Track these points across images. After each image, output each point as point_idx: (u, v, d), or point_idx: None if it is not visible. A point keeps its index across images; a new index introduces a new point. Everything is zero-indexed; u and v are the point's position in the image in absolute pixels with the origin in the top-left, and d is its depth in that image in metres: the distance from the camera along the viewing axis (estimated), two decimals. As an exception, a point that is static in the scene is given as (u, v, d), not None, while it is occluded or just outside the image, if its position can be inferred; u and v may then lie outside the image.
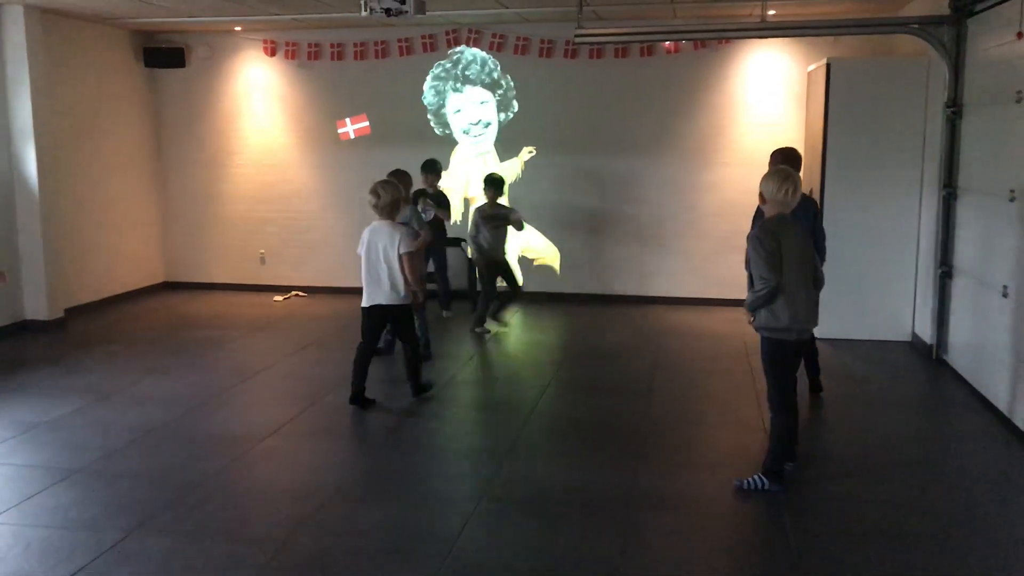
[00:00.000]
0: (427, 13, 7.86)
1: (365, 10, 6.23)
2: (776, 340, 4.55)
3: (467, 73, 9.67)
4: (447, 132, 9.81)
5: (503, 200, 8.42)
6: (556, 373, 6.93)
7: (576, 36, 7.71)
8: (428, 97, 9.76)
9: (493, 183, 8.19)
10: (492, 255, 8.20)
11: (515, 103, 9.60)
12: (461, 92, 9.71)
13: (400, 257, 5.87)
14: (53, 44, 8.66)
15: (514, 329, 8.57)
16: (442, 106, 9.77)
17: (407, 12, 6.18)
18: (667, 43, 9.06)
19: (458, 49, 9.61)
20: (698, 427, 5.67)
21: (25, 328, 8.38)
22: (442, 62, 9.67)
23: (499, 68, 9.57)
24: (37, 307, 8.39)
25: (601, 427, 5.70)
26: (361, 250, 6.02)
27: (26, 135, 8.18)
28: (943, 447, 5.34)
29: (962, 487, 4.68)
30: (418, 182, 8.06)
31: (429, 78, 9.72)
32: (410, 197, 7.48)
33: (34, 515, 4.36)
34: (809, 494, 4.60)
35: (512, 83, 9.56)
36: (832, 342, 7.47)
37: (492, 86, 9.64)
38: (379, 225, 6.00)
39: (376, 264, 5.92)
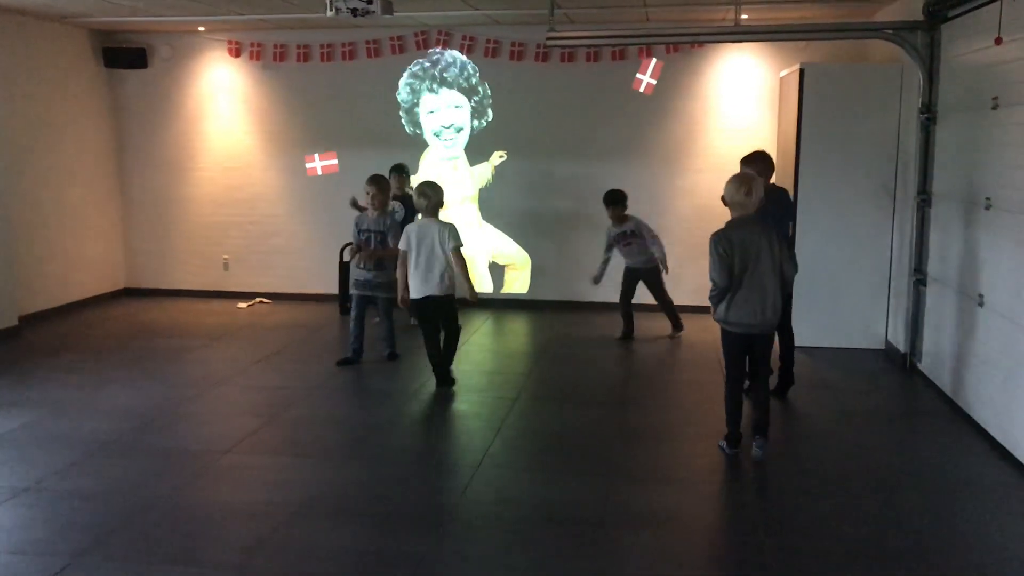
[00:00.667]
0: (395, 14, 7.71)
1: (331, 10, 6.06)
2: (724, 330, 5.09)
3: (444, 75, 9.47)
4: (418, 132, 9.62)
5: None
6: (526, 383, 6.77)
7: (548, 39, 7.56)
8: (403, 94, 9.56)
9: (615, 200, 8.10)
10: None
11: (490, 111, 9.43)
12: (436, 94, 9.52)
13: (450, 251, 6.36)
14: (6, 42, 8.38)
15: (485, 337, 8.41)
16: (415, 105, 9.58)
17: (374, 12, 6.02)
18: (641, 50, 8.94)
19: (437, 50, 9.41)
20: (671, 440, 5.53)
21: (-18, 336, 8.09)
22: (420, 60, 9.47)
23: (478, 74, 9.39)
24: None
25: (572, 440, 5.55)
26: (409, 245, 6.43)
27: (-22, 138, 7.91)
28: (919, 459, 5.24)
29: (940, 500, 4.58)
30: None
31: (405, 75, 9.52)
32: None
33: (-25, 538, 4.13)
34: (786, 509, 4.47)
35: (489, 91, 9.39)
36: (806, 350, 7.37)
37: (469, 91, 9.47)
38: (427, 222, 6.46)
39: (430, 258, 6.37)
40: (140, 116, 10.07)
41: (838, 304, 7.67)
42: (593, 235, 9.41)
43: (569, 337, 8.38)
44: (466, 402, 6.38)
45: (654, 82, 9.14)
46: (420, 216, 6.58)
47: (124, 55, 9.71)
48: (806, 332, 7.27)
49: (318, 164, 9.71)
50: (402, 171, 8.50)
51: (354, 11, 5.96)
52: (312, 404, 6.24)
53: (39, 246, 8.95)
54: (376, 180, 7.24)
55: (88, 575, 3.78)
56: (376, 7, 5.97)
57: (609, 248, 8.26)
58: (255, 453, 5.27)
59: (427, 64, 9.47)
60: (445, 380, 6.63)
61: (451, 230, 6.39)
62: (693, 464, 5.14)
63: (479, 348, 8.00)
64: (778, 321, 5.10)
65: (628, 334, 8.27)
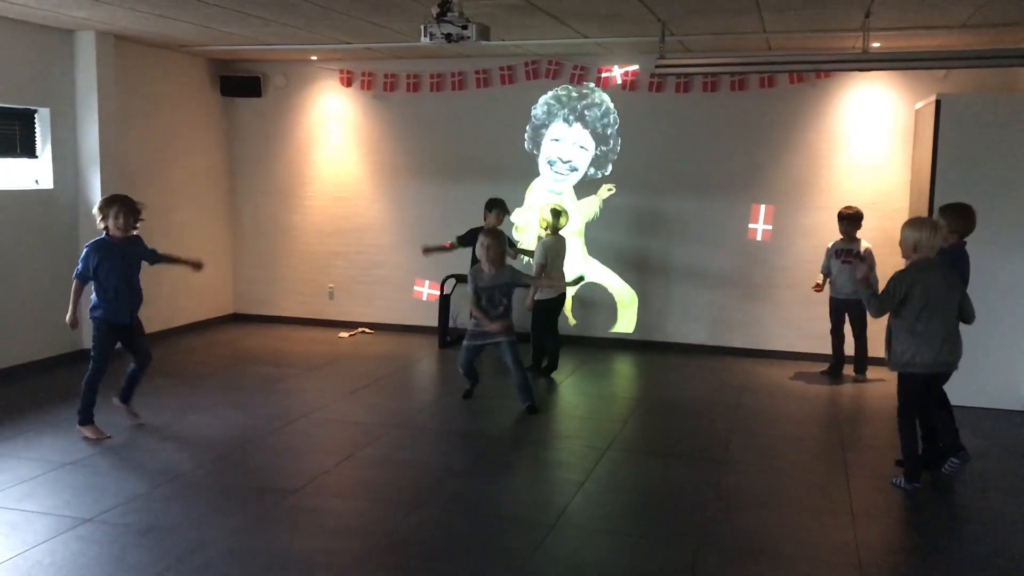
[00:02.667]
0: (495, 43, 7.50)
1: (426, 36, 5.84)
2: (906, 374, 5.15)
3: (585, 112, 9.15)
4: (535, 152, 9.31)
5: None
6: (620, 432, 6.31)
7: (657, 67, 7.17)
8: (539, 110, 9.27)
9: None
10: None
11: (611, 166, 9.07)
12: (569, 126, 9.20)
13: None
14: (127, 70, 8.58)
15: (583, 379, 7.99)
16: (545, 126, 9.29)
17: (469, 38, 5.75)
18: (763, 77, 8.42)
19: (591, 86, 9.06)
20: (774, 508, 4.96)
21: (84, 357, 8.19)
22: (569, 87, 9.16)
23: (617, 127, 9.03)
24: (96, 336, 8.22)
25: (663, 500, 5.07)
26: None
27: (92, 161, 8.08)
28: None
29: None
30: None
31: (549, 94, 9.21)
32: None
33: (26, 571, 4.00)
34: (900, 600, 3.88)
35: (619, 146, 9.03)
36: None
37: (601, 139, 9.12)
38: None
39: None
40: (253, 143, 10.20)
41: (977, 358, 6.88)
42: (704, 273, 8.91)
43: (674, 382, 7.87)
44: (552, 449, 5.99)
45: (769, 228, 8.69)
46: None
47: (240, 83, 9.85)
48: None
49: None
50: (500, 207, 8.15)
51: (448, 36, 5.72)
52: (392, 444, 5.97)
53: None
54: (488, 232, 6.82)
55: (123, 622, 3.57)
56: (471, 33, 5.71)
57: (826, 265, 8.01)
58: (323, 495, 5.01)
59: (575, 94, 9.17)
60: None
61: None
62: (793, 537, 4.58)
63: (575, 390, 7.60)
64: (957, 361, 5.17)
65: (835, 369, 8.08)
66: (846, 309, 7.84)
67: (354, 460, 5.61)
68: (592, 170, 9.15)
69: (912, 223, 5.19)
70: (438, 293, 9.27)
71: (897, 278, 5.08)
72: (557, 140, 9.25)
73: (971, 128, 6.86)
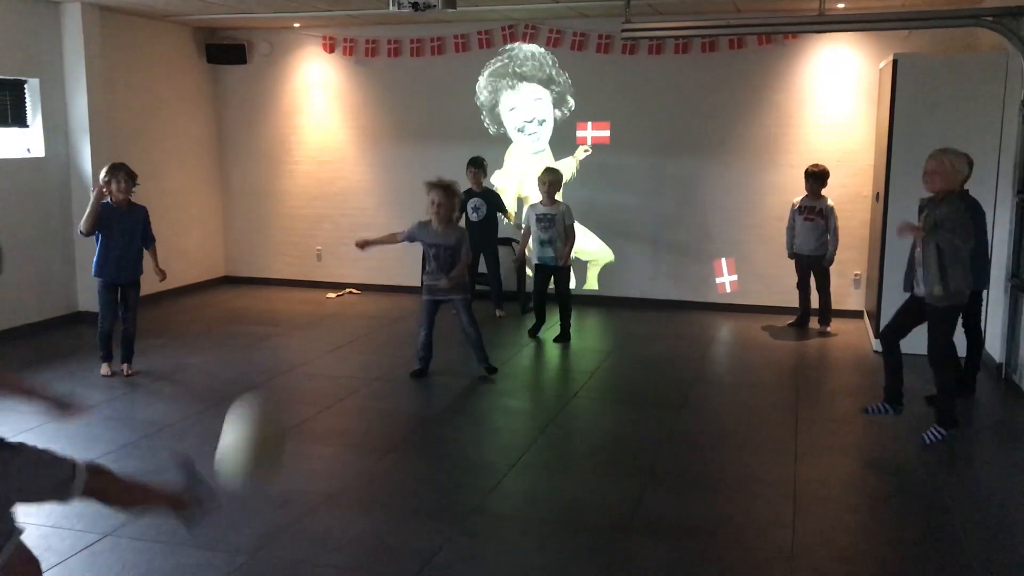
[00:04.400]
0: (470, 8, 7.72)
1: (393, 5, 6.09)
2: (956, 306, 5.15)
3: (521, 70, 9.43)
4: (501, 131, 9.61)
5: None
6: (587, 382, 6.65)
7: (623, 31, 7.41)
8: (483, 96, 9.57)
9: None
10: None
11: (571, 99, 9.33)
12: (515, 90, 9.48)
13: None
14: (114, 41, 8.82)
15: (553, 333, 8.31)
16: (496, 104, 9.58)
17: (435, 7, 6.01)
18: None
19: (512, 45, 9.39)
20: (721, 449, 5.31)
21: (79, 319, 8.56)
22: (497, 58, 9.46)
23: (555, 64, 9.31)
24: (90, 299, 8.52)
25: (618, 443, 5.42)
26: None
27: (82, 130, 8.35)
28: (1011, 482, 4.85)
29: (991, 519, 4.24)
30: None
31: (483, 76, 9.53)
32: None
33: (21, 512, 4.34)
34: (824, 524, 4.23)
35: (568, 78, 9.29)
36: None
37: (547, 82, 9.39)
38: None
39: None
40: (240, 110, 10.44)
41: (929, 310, 7.20)
42: (679, 231, 9.20)
43: (644, 337, 8.19)
44: (521, 399, 6.33)
45: (735, 278, 9.09)
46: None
47: (225, 51, 10.08)
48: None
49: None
50: (479, 165, 8.51)
51: (415, 5, 5.98)
52: (369, 395, 6.32)
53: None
54: (440, 188, 6.52)
55: (114, 552, 3.92)
56: (437, 2, 5.97)
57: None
58: (303, 441, 5.36)
59: (505, 60, 9.43)
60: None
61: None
62: (736, 473, 4.92)
63: (549, 345, 7.92)
64: None
65: (802, 320, 8.36)
66: (809, 265, 8.13)
67: (333, 410, 5.96)
68: (557, 111, 9.41)
69: (963, 155, 5.17)
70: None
71: (962, 210, 5.05)
72: (514, 108, 9.52)
73: (927, 87, 7.09)
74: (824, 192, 8.11)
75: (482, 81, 9.54)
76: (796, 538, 4.08)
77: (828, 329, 8.18)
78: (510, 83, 9.48)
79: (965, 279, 5.10)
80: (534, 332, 8.04)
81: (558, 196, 7.77)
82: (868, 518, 4.37)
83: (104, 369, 6.73)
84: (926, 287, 5.16)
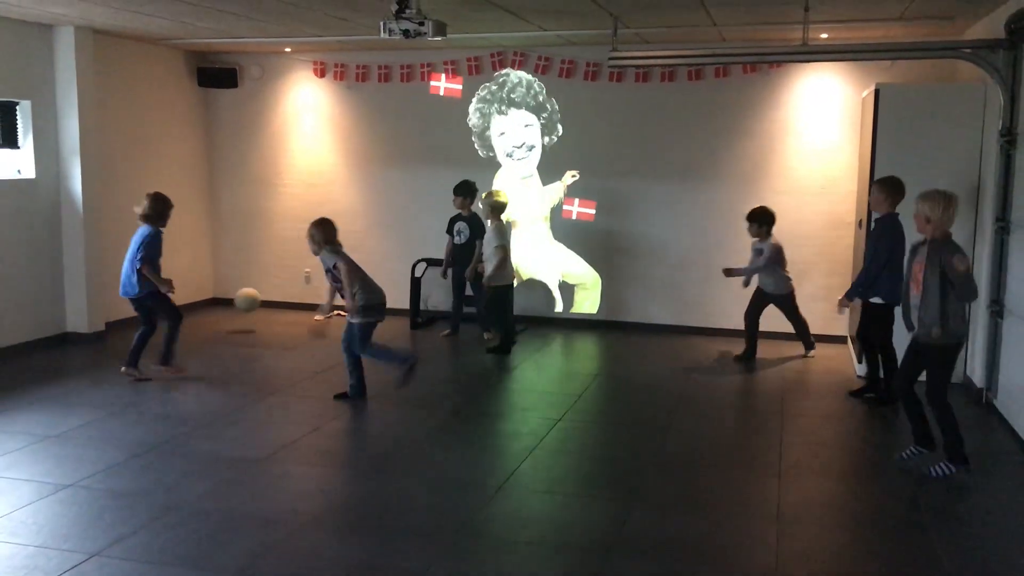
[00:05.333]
0: (459, 35, 7.84)
1: (385, 32, 6.17)
2: (957, 345, 5.21)
3: (512, 96, 9.55)
4: (491, 154, 9.72)
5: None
6: (574, 404, 6.70)
7: (610, 59, 7.52)
8: (473, 119, 9.69)
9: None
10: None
11: (559, 127, 9.45)
12: (506, 115, 9.60)
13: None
14: (107, 63, 8.88)
15: (548, 357, 8.38)
16: (486, 128, 9.69)
17: (425, 34, 6.09)
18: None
19: (504, 72, 9.51)
20: (705, 469, 5.37)
21: (66, 340, 8.56)
22: (487, 84, 9.59)
23: (544, 91, 9.44)
24: (78, 320, 8.58)
25: (605, 463, 5.48)
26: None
27: (73, 152, 8.39)
28: (988, 503, 4.93)
29: (1013, 545, 4.30)
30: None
31: (474, 100, 9.65)
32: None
33: (11, 530, 4.36)
34: (806, 542, 4.28)
35: (557, 106, 9.42)
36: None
37: (537, 109, 9.51)
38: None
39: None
40: (230, 133, 10.51)
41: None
42: (662, 256, 9.30)
43: (632, 359, 8.26)
44: (509, 421, 6.37)
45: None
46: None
47: (216, 75, 10.16)
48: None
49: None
50: (464, 192, 8.66)
51: (406, 32, 6.06)
52: (357, 416, 6.36)
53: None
54: (315, 224, 6.66)
55: (100, 573, 3.93)
56: (428, 30, 6.05)
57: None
58: (290, 462, 5.39)
59: (494, 87, 9.56)
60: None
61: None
62: (719, 493, 4.98)
63: (538, 367, 7.98)
64: None
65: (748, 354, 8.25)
66: (772, 302, 8.16)
67: (320, 432, 5.98)
68: (546, 138, 9.52)
69: (952, 199, 5.12)
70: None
71: (962, 252, 5.05)
72: (503, 133, 9.64)
73: (907, 116, 7.22)
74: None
75: (473, 105, 9.66)
76: (780, 558, 4.13)
77: (811, 354, 8.26)
78: (500, 108, 9.59)
79: (964, 320, 5.22)
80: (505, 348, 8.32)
81: (509, 218, 7.95)
82: (850, 539, 4.43)
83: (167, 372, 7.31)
84: (924, 328, 5.19)
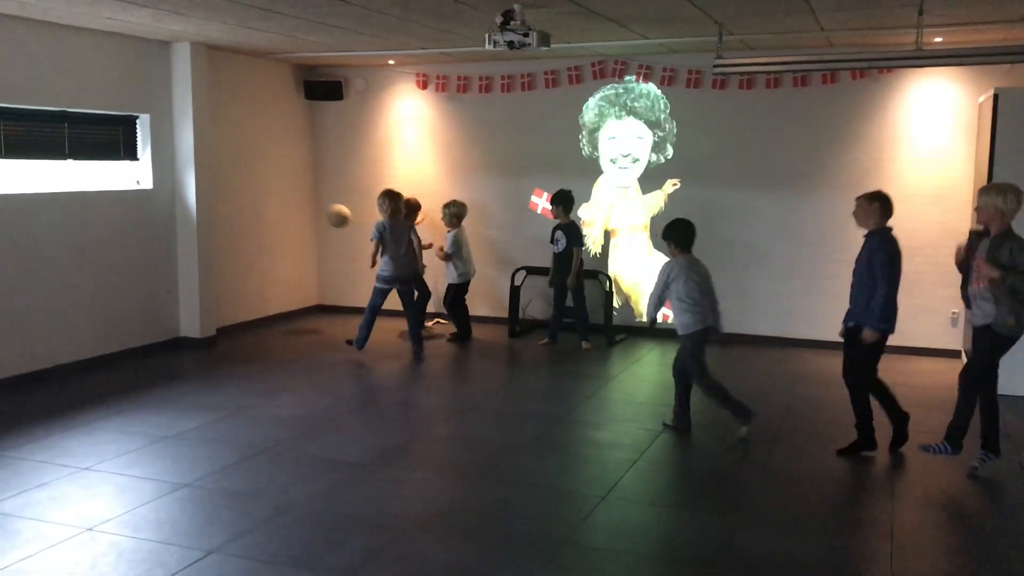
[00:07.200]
0: (560, 45, 7.87)
1: (490, 43, 6.26)
2: (1007, 338, 5.18)
3: (635, 104, 9.48)
4: (595, 155, 9.68)
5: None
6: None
7: (715, 67, 7.44)
8: (589, 115, 9.64)
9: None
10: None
11: (671, 148, 9.35)
12: (621, 121, 9.54)
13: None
14: (219, 77, 9.22)
15: (645, 367, 8.32)
16: (599, 128, 9.64)
17: (530, 45, 6.15)
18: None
19: (630, 78, 9.45)
20: (814, 487, 5.23)
21: (179, 344, 8.90)
22: (614, 85, 9.52)
23: (668, 110, 9.34)
24: (191, 325, 8.90)
25: (711, 477, 5.41)
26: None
27: (187, 162, 8.73)
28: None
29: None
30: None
31: (596, 97, 9.61)
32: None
33: (134, 526, 4.56)
34: (918, 566, 4.13)
35: (675, 128, 9.33)
36: (1007, 399, 6.75)
37: (655, 125, 9.42)
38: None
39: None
40: (335, 144, 10.78)
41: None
42: (769, 266, 9.13)
43: (734, 372, 8.11)
44: (609, 431, 6.34)
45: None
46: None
47: (323, 87, 10.43)
48: (1004, 379, 6.65)
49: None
50: (559, 202, 8.74)
51: (511, 44, 6.12)
52: (459, 423, 6.43)
53: (240, 263, 9.75)
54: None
55: (219, 569, 4.07)
56: (532, 40, 6.10)
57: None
58: (393, 467, 5.48)
59: (620, 90, 9.51)
60: None
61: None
62: (829, 511, 4.85)
63: (636, 378, 7.92)
64: None
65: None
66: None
67: (425, 437, 6.08)
68: (654, 156, 9.45)
69: (1021, 193, 5.19)
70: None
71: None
72: (614, 138, 9.58)
73: (1029, 121, 6.94)
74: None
75: (594, 100, 9.62)
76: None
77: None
78: (619, 112, 9.54)
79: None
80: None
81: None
82: (967, 559, 4.26)
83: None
84: (998, 318, 5.14)
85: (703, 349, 6.21)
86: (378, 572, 4.06)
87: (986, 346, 5.26)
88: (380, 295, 8.60)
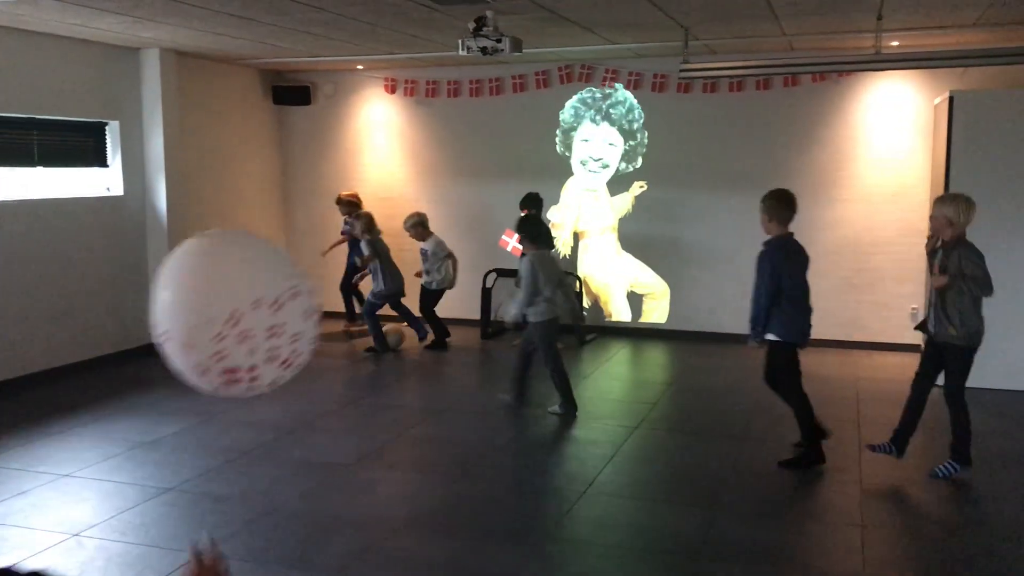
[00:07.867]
0: (530, 50, 7.98)
1: (463, 49, 6.35)
2: (972, 348, 5.26)
3: (611, 110, 9.63)
4: (567, 155, 9.81)
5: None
6: (649, 413, 6.78)
7: (681, 71, 7.61)
8: (566, 115, 9.77)
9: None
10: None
11: (640, 159, 9.52)
12: (597, 125, 9.68)
13: None
14: (188, 83, 9.21)
15: (618, 366, 8.47)
16: (574, 129, 9.78)
17: (503, 51, 6.25)
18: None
19: (617, 86, 9.58)
20: (785, 477, 5.41)
21: (152, 351, 8.84)
22: (593, 89, 9.66)
23: (642, 121, 9.50)
24: (163, 331, 8.86)
25: (685, 471, 5.55)
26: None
27: (157, 168, 8.72)
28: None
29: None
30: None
31: (575, 98, 9.72)
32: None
33: (121, 530, 4.59)
34: (893, 551, 4.30)
35: (646, 140, 9.49)
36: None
37: (627, 134, 9.58)
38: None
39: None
40: (304, 149, 10.80)
41: (990, 343, 7.20)
42: (731, 266, 9.32)
43: (703, 368, 8.30)
44: (585, 428, 6.47)
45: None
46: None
47: (291, 92, 10.46)
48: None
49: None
50: (527, 204, 8.73)
51: (484, 50, 6.22)
52: (438, 424, 6.52)
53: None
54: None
55: (208, 570, 4.12)
56: (505, 46, 6.21)
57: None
58: (376, 467, 5.56)
59: (598, 95, 9.65)
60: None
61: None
62: (804, 501, 5.02)
63: (609, 376, 8.07)
64: None
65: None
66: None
67: (405, 438, 6.15)
68: (623, 164, 9.61)
69: (972, 204, 5.22)
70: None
71: (979, 254, 5.17)
72: (587, 140, 9.72)
73: (983, 123, 7.19)
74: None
75: (572, 102, 9.74)
76: (867, 566, 4.16)
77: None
78: (594, 117, 9.68)
79: (980, 321, 5.25)
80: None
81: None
82: (935, 548, 4.44)
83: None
84: (942, 327, 5.26)
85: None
86: (366, 570, 4.14)
87: (957, 361, 5.30)
88: (379, 307, 9.06)
